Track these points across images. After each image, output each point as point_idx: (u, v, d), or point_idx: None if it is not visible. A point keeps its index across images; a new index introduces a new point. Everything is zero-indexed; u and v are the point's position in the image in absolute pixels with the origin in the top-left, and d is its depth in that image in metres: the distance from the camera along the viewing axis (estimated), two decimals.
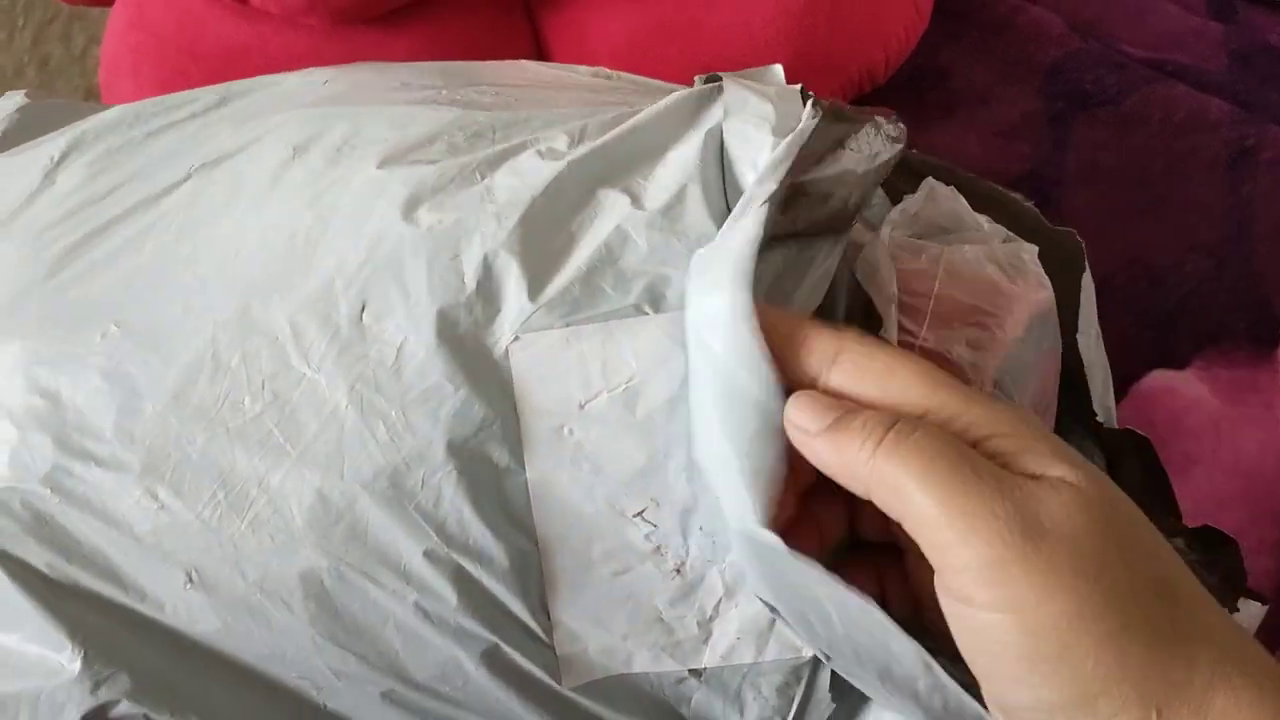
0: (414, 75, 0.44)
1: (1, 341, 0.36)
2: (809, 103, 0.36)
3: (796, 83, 0.49)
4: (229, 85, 0.44)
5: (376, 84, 0.43)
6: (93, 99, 0.71)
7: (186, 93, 0.43)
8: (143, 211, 0.38)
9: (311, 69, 0.44)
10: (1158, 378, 0.54)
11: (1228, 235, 0.57)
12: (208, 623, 0.34)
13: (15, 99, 0.46)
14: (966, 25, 0.64)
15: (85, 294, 0.37)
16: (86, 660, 0.33)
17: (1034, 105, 0.61)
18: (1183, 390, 0.54)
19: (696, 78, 0.45)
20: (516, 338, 0.34)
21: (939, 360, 0.34)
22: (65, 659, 0.33)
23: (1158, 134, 0.60)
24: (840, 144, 0.34)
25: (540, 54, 0.66)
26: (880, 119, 0.35)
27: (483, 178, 0.36)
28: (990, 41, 0.63)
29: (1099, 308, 0.47)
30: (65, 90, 0.71)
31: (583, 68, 0.47)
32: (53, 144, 0.42)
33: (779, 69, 0.45)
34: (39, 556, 0.34)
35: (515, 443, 0.33)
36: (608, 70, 0.47)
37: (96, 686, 0.33)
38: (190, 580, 0.33)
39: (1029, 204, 0.47)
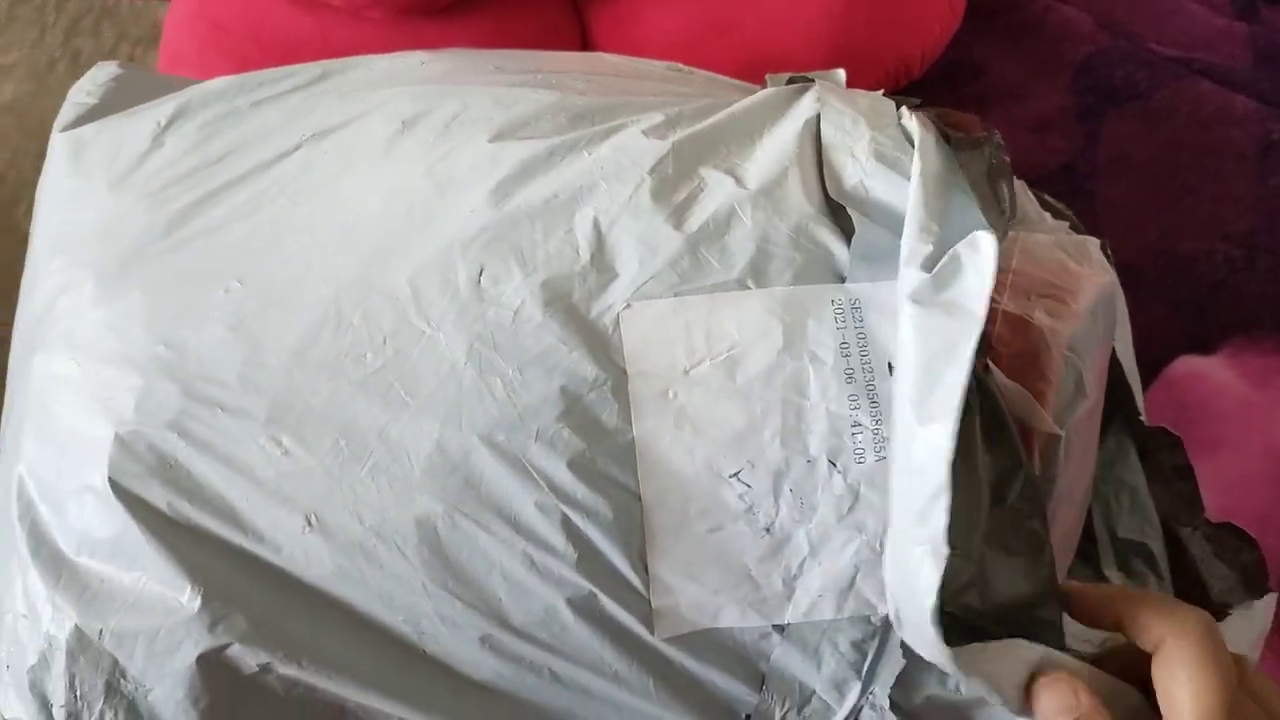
0: (506, 61, 0.46)
1: (121, 292, 0.38)
2: (905, 110, 0.38)
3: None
4: (326, 63, 0.45)
5: (473, 67, 0.45)
6: None
7: (287, 68, 0.45)
8: (256, 176, 0.40)
9: (405, 52, 0.46)
10: (1188, 363, 0.57)
11: (1257, 225, 0.60)
12: (322, 566, 0.35)
13: (110, 69, 0.48)
14: (999, 23, 0.68)
15: (204, 252, 0.38)
16: (205, 599, 0.35)
17: (1065, 101, 0.64)
18: (1212, 375, 0.57)
19: (769, 76, 0.47)
20: (628, 305, 0.36)
21: (1019, 323, 0.37)
22: (185, 598, 0.35)
23: (1186, 128, 0.63)
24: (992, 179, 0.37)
25: (587, 48, 0.68)
26: (989, 135, 0.38)
27: (590, 154, 0.38)
28: (1022, 39, 0.67)
29: (1133, 294, 0.49)
30: None
31: (658, 62, 0.49)
32: (159, 109, 0.43)
33: (841, 73, 0.48)
34: (161, 498, 0.35)
35: (623, 403, 0.35)
36: (681, 65, 0.49)
37: (214, 625, 0.35)
38: (309, 524, 0.35)
39: (1069, 212, 0.50)
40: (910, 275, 0.34)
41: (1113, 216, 0.61)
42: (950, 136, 0.38)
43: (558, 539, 0.35)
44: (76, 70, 0.74)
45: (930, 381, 0.32)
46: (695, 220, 0.37)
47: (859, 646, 0.37)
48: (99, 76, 0.47)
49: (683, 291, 0.36)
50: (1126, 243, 0.58)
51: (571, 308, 0.36)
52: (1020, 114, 0.65)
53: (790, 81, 0.44)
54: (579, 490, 0.35)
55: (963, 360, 0.32)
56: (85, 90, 0.46)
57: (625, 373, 0.36)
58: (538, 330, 0.35)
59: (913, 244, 0.35)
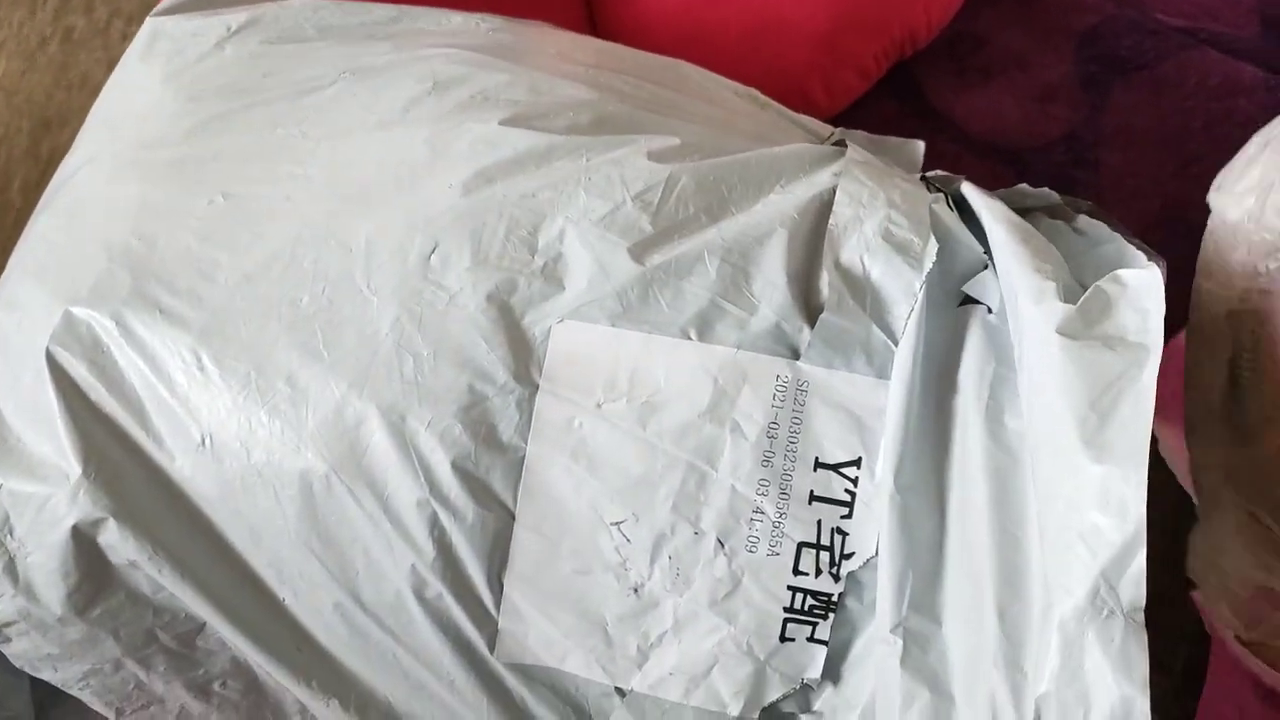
0: (572, 47, 0.45)
1: (126, 180, 0.39)
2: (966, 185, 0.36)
3: (842, 45, 0.54)
4: (404, 7, 0.46)
5: (534, 47, 0.44)
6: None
7: (366, 4, 0.45)
8: (286, 103, 0.41)
9: (480, 14, 0.46)
10: None
11: None
12: (207, 487, 0.36)
13: None
14: None
15: (208, 161, 0.39)
16: (93, 481, 0.36)
17: (1070, 70, 0.63)
18: None
19: (822, 126, 0.45)
20: (562, 321, 0.34)
21: None
22: (75, 476, 0.36)
23: (1193, 97, 0.62)
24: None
25: (590, 16, 0.64)
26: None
27: (587, 160, 0.37)
28: (1025, 8, 0.66)
29: None
30: (88, 63, 0.69)
31: (739, 87, 0.47)
32: (233, 16, 0.44)
33: (920, 145, 0.44)
34: (85, 379, 0.36)
35: (525, 418, 0.34)
36: (758, 94, 0.47)
37: (94, 508, 0.36)
38: (203, 444, 0.36)
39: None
40: (1053, 309, 0.33)
41: (1118, 185, 0.60)
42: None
43: (420, 532, 0.34)
44: (69, 47, 0.68)
45: (1100, 419, 0.31)
46: (659, 256, 0.35)
47: None
48: None
49: (621, 324, 0.34)
50: (1131, 211, 0.59)
51: (507, 308, 0.35)
52: (1024, 83, 0.63)
53: (837, 143, 0.41)
54: (454, 491, 0.34)
55: (1143, 396, 0.30)
56: None
57: (538, 388, 0.34)
58: (466, 321, 0.35)
59: (1031, 281, 0.34)
